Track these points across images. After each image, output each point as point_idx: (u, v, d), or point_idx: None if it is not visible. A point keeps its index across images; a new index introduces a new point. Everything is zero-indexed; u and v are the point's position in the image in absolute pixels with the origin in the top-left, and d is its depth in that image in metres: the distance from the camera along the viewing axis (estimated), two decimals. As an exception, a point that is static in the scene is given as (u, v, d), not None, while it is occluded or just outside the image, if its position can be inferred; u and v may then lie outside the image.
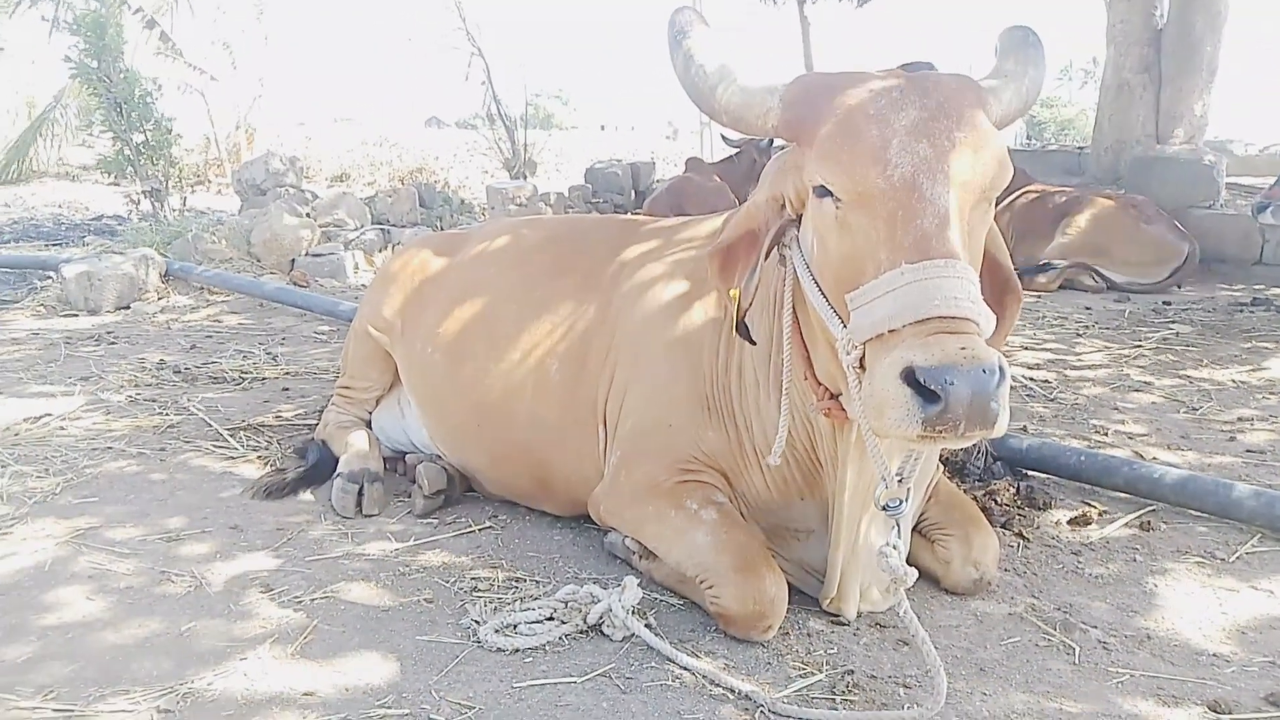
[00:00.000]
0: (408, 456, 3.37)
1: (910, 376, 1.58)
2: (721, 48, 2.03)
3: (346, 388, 3.58)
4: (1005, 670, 2.24)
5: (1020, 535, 2.93)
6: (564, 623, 2.33)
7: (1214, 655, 2.28)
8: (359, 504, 3.09)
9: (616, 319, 2.79)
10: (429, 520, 3.07)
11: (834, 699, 2.10)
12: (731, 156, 12.23)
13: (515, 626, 2.33)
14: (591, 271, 2.96)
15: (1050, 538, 2.93)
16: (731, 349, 2.53)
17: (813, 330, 2.07)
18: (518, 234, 3.30)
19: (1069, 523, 3.01)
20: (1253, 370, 4.77)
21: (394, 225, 9.64)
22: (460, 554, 2.82)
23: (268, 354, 5.41)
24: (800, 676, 2.18)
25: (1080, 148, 9.72)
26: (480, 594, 2.55)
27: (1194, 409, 4.17)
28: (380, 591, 2.58)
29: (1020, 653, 2.31)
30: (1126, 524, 3.00)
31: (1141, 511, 3.06)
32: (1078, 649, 2.31)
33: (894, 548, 1.92)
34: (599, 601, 2.31)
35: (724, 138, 12.69)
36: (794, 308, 2.10)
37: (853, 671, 2.19)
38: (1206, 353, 5.17)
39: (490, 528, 3.01)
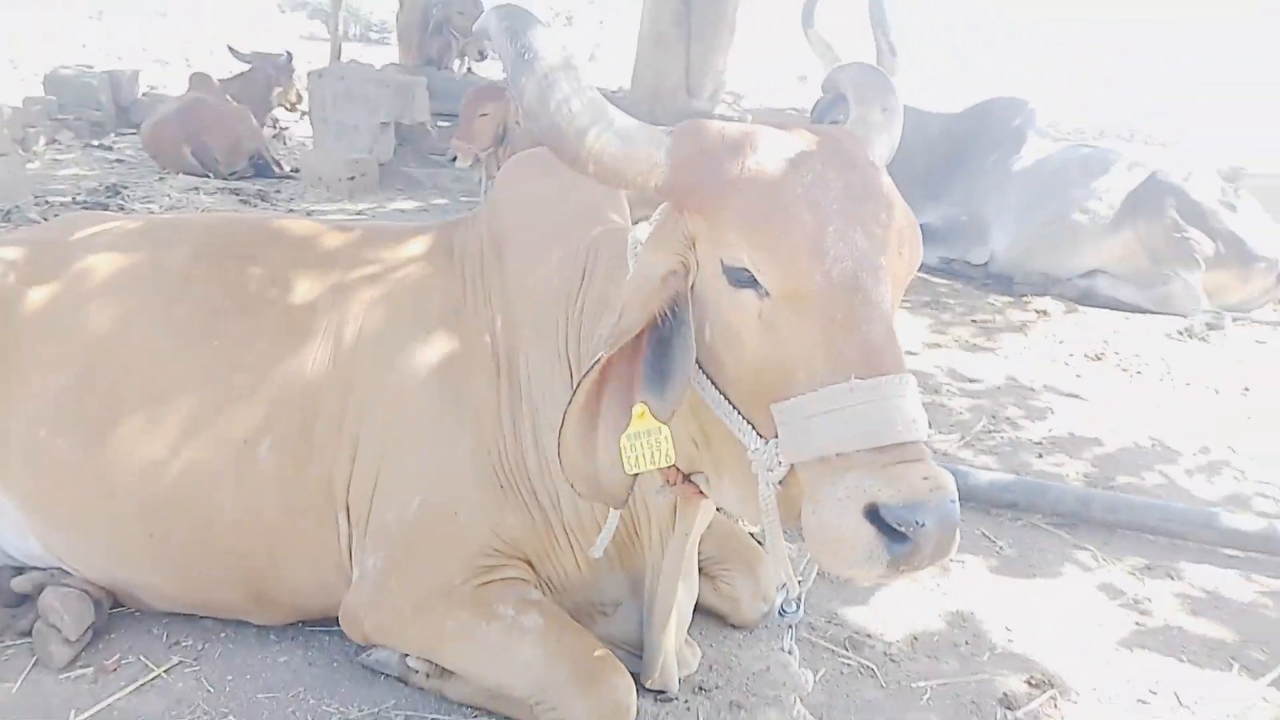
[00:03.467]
0: (13, 581, 2.32)
1: (874, 514, 1.40)
2: (582, 70, 1.57)
3: None
4: (830, 710, 2.26)
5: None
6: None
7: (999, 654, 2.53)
8: (-52, 672, 2.07)
9: (351, 370, 2.17)
10: (79, 671, 2.16)
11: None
12: (243, 74, 10.70)
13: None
14: (293, 305, 2.25)
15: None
16: (520, 410, 2.11)
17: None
18: (148, 247, 2.37)
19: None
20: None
21: None
22: (160, 724, 2.03)
23: None
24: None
25: (616, 90, 10.17)
26: (229, 788, 1.86)
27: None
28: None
29: (833, 684, 2.35)
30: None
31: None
32: (876, 668, 2.42)
33: (791, 654, 1.76)
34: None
35: (231, 49, 11.01)
36: None
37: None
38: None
39: (182, 664, 2.21)
